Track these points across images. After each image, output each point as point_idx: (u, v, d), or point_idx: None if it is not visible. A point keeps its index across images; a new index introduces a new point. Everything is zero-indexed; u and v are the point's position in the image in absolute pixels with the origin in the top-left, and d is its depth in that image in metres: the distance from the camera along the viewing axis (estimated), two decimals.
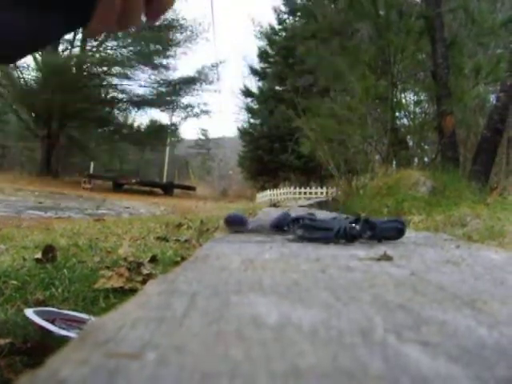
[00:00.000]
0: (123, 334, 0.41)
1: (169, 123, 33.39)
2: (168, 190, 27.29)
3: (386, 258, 1.00)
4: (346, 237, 1.38)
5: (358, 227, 1.41)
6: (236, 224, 1.74)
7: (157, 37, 28.12)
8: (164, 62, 29.95)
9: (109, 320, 0.45)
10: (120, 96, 30.40)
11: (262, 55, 29.99)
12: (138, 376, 0.31)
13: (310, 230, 1.43)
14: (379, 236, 1.43)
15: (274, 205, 10.66)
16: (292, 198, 18.74)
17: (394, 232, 1.46)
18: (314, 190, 20.08)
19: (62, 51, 27.75)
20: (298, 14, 27.75)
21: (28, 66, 26.35)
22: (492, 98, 9.00)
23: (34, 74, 26.54)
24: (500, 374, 0.35)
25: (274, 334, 0.43)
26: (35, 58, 26.33)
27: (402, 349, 0.39)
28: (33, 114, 27.36)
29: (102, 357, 0.35)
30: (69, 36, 28.09)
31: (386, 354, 0.38)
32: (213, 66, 29.54)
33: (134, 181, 25.95)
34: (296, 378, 0.32)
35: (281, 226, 1.67)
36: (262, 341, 0.40)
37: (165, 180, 33.66)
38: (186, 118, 31.86)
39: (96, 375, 0.31)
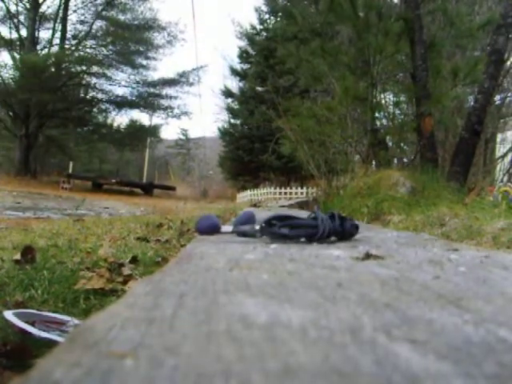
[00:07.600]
0: (113, 335, 0.41)
1: (149, 123, 33.32)
2: (148, 190, 27.19)
3: (370, 257, 1.01)
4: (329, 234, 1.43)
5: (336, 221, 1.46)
6: (207, 233, 1.65)
7: (136, 37, 27.99)
8: (144, 62, 29.88)
9: (98, 321, 0.45)
10: (100, 96, 30.21)
11: (243, 55, 29.97)
12: (131, 378, 0.31)
13: (291, 229, 1.44)
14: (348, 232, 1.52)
15: (255, 205, 10.66)
16: (272, 198, 18.78)
17: (353, 228, 1.54)
18: (294, 190, 20.17)
19: (41, 50, 27.41)
20: (279, 14, 27.78)
21: (6, 65, 26.00)
22: (470, 100, 9.11)
23: (11, 72, 26.19)
24: (488, 370, 0.36)
25: (265, 333, 0.42)
26: (13, 57, 25.97)
27: (392, 347, 0.40)
28: (10, 113, 26.96)
29: (94, 358, 0.34)
30: (47, 34, 27.80)
31: (376, 352, 0.38)
32: (193, 69, 29.60)
33: (113, 181, 25.81)
34: (289, 377, 0.33)
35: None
36: (253, 340, 0.40)
37: (145, 180, 33.50)
38: (166, 118, 31.90)
39: (90, 377, 0.31)
